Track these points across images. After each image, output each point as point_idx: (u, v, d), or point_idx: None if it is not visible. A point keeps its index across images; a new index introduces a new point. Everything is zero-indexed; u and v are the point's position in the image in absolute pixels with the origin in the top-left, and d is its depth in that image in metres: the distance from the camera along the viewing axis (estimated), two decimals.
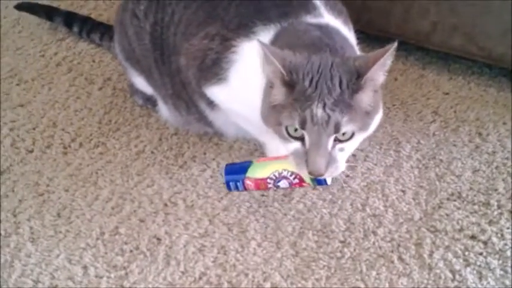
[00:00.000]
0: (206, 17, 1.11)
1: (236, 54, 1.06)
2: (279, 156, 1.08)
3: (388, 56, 0.93)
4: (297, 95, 0.94)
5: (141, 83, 1.30)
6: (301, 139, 0.96)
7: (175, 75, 1.18)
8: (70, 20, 1.56)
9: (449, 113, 1.30)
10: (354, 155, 1.23)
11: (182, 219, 1.13)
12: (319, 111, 0.92)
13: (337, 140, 0.95)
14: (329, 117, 0.92)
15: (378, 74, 0.95)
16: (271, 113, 0.98)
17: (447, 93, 1.35)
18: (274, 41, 1.04)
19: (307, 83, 0.94)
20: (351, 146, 0.98)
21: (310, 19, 1.06)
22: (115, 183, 1.20)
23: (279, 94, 0.96)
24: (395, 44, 0.93)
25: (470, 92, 1.35)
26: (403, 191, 1.15)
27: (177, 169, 1.22)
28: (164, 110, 1.31)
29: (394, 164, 1.21)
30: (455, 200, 1.13)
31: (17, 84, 1.45)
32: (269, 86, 0.98)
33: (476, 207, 1.12)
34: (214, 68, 1.09)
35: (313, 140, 0.94)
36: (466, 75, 1.39)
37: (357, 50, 1.09)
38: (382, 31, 1.43)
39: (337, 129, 0.93)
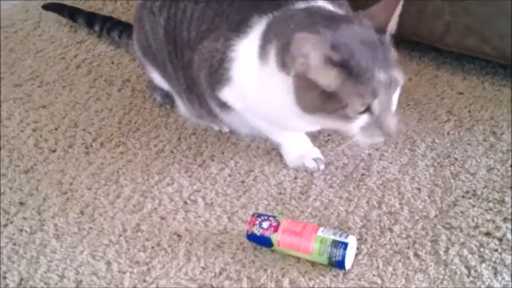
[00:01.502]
0: (215, 15, 1.13)
1: (235, 52, 1.09)
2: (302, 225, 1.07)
3: (399, 7, 0.98)
4: (356, 71, 0.94)
5: (157, 78, 1.33)
6: (367, 110, 0.97)
7: (187, 69, 1.21)
8: (91, 20, 1.60)
9: (464, 112, 1.32)
10: (369, 154, 1.25)
11: (202, 217, 1.16)
12: (381, 75, 0.95)
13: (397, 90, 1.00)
14: (390, 77, 0.96)
15: (393, 26, 1.00)
16: (326, 103, 0.97)
17: (461, 93, 1.37)
18: (267, 32, 1.05)
19: (357, 55, 0.95)
20: (398, 93, 1.02)
21: (302, 4, 1.07)
22: (136, 182, 1.23)
23: (330, 80, 0.95)
24: None
25: (484, 91, 1.37)
26: (418, 189, 1.17)
27: (196, 168, 1.25)
28: (180, 104, 1.34)
29: (409, 163, 1.23)
30: (470, 198, 1.15)
31: (39, 86, 1.49)
32: (306, 81, 0.97)
33: (491, 204, 1.13)
34: (220, 69, 1.11)
35: (383, 105, 0.97)
36: (480, 75, 1.41)
37: None
38: (396, 31, 1.45)
39: (396, 85, 0.98)
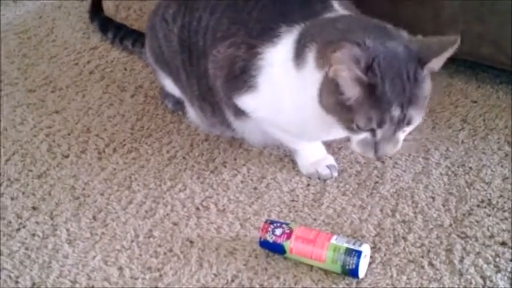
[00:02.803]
0: (230, 23, 1.13)
1: (263, 61, 1.09)
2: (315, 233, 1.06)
3: (452, 49, 0.96)
4: (377, 97, 0.95)
5: (169, 85, 1.33)
6: (371, 130, 0.99)
7: (202, 78, 1.21)
8: (106, 25, 1.61)
9: (478, 121, 1.31)
10: (382, 162, 1.24)
11: (214, 223, 1.15)
12: (396, 113, 0.96)
13: (408, 127, 1.01)
14: (404, 115, 0.97)
15: (438, 63, 0.98)
16: (339, 109, 0.99)
17: (475, 102, 1.36)
18: (301, 39, 1.06)
19: (387, 84, 0.95)
20: (411, 128, 1.03)
21: (331, 15, 1.09)
22: (148, 188, 1.23)
23: (353, 94, 0.96)
24: (458, 40, 0.95)
25: (498, 100, 1.36)
26: (432, 198, 1.16)
27: (209, 174, 1.25)
28: (191, 112, 1.34)
29: (423, 171, 1.22)
30: (485, 207, 1.14)
31: (52, 92, 1.50)
32: (333, 84, 0.98)
33: (506, 214, 1.12)
34: (243, 76, 1.11)
35: (385, 134, 0.99)
36: (495, 83, 1.40)
37: None
38: None
39: (409, 123, 0.99)
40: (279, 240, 1.06)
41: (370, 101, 0.96)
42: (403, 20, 1.39)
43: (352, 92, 0.97)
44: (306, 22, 1.07)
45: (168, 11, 1.23)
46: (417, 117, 0.99)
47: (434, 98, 1.37)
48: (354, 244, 1.03)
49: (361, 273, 1.03)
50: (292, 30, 1.07)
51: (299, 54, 1.05)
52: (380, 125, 0.97)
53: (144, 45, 1.41)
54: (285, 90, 1.08)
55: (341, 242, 1.04)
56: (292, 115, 1.10)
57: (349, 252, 1.02)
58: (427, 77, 0.98)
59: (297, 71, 1.06)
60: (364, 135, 1.01)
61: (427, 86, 0.99)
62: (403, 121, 0.98)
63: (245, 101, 1.14)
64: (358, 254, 1.02)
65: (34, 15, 1.76)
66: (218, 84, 1.16)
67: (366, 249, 1.04)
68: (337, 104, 0.99)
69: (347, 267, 1.02)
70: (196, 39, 1.19)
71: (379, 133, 0.99)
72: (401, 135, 1.02)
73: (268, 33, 1.09)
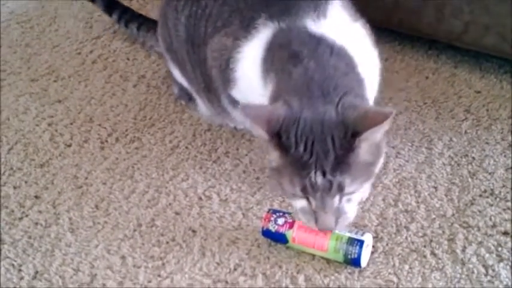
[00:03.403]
0: (230, 11, 1.11)
1: (240, 54, 1.06)
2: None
3: (387, 123, 0.88)
4: (293, 161, 0.91)
5: (178, 76, 1.33)
6: (307, 198, 0.94)
7: (203, 66, 1.19)
8: (111, 6, 1.57)
9: (482, 111, 1.31)
10: (385, 152, 1.24)
11: (216, 213, 1.15)
12: (319, 179, 0.90)
13: (343, 195, 0.93)
14: (331, 182, 0.90)
15: (375, 136, 0.91)
16: (273, 173, 0.95)
17: (479, 92, 1.36)
18: (272, 44, 1.01)
19: (301, 148, 0.89)
20: (358, 196, 0.96)
21: (311, 21, 1.01)
22: (151, 177, 1.23)
23: (274, 157, 0.93)
24: (394, 112, 0.87)
25: (502, 90, 1.35)
26: (435, 188, 1.16)
27: (211, 164, 1.25)
28: (201, 105, 1.33)
29: (426, 161, 1.22)
30: (487, 197, 1.14)
31: (55, 81, 1.50)
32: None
33: (509, 204, 1.12)
34: (227, 69, 1.10)
35: (318, 203, 0.92)
36: (498, 73, 1.39)
37: (371, 57, 1.05)
38: (414, 30, 1.44)
39: (340, 189, 0.91)
40: (281, 230, 1.06)
41: (291, 165, 0.91)
42: (407, 11, 1.40)
43: (272, 153, 0.93)
44: (281, 23, 1.01)
45: (180, 2, 1.21)
46: (351, 184, 0.90)
47: (438, 88, 1.37)
48: (356, 233, 1.03)
49: (363, 262, 1.03)
50: (267, 27, 1.02)
51: (265, 68, 1.01)
52: (304, 191, 0.91)
53: (150, 31, 1.40)
54: (256, 87, 1.03)
55: (343, 232, 1.04)
56: None
57: (351, 241, 1.02)
58: (362, 146, 0.89)
59: (263, 81, 1.00)
60: (302, 202, 0.94)
61: (363, 154, 0.90)
62: (330, 188, 0.90)
63: (235, 95, 1.12)
64: (360, 243, 1.02)
65: (36, 5, 1.76)
66: (214, 74, 1.16)
67: (368, 238, 1.04)
68: (270, 165, 0.95)
69: (349, 256, 1.02)
70: (199, 26, 1.18)
71: (312, 201, 0.93)
72: (345, 204, 0.94)
73: (250, 24, 1.04)
